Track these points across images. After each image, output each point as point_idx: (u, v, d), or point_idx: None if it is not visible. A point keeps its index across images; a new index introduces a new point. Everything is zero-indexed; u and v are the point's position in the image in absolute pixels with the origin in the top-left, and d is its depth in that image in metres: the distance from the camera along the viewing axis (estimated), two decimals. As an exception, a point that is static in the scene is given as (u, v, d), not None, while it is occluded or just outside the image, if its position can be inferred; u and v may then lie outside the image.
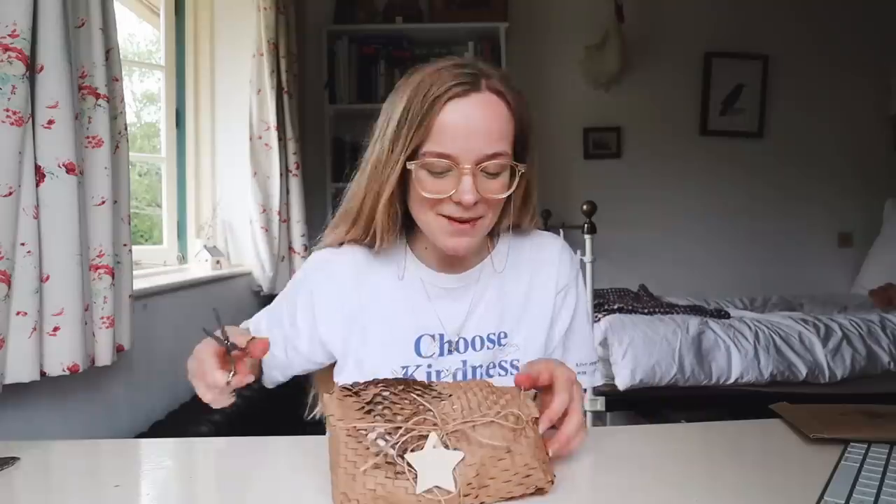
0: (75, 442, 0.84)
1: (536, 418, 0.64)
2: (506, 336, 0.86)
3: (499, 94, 0.76)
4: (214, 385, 0.67)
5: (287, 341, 0.86)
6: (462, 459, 0.59)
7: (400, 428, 0.60)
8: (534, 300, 0.88)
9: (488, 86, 0.75)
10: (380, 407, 0.62)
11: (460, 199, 0.74)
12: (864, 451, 0.69)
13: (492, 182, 0.76)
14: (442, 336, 0.85)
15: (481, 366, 0.85)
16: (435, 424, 0.60)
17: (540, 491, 0.60)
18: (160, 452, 0.78)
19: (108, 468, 0.70)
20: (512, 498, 0.59)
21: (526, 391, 0.66)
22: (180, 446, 0.84)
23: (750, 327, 2.13)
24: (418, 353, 0.84)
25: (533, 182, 0.84)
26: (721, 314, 2.32)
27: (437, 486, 0.58)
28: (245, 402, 1.63)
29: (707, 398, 2.09)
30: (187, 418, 1.49)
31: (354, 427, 0.60)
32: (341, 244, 0.88)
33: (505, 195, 0.77)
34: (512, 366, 0.86)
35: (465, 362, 0.84)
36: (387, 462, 0.58)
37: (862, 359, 2.09)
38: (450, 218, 0.77)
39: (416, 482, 0.57)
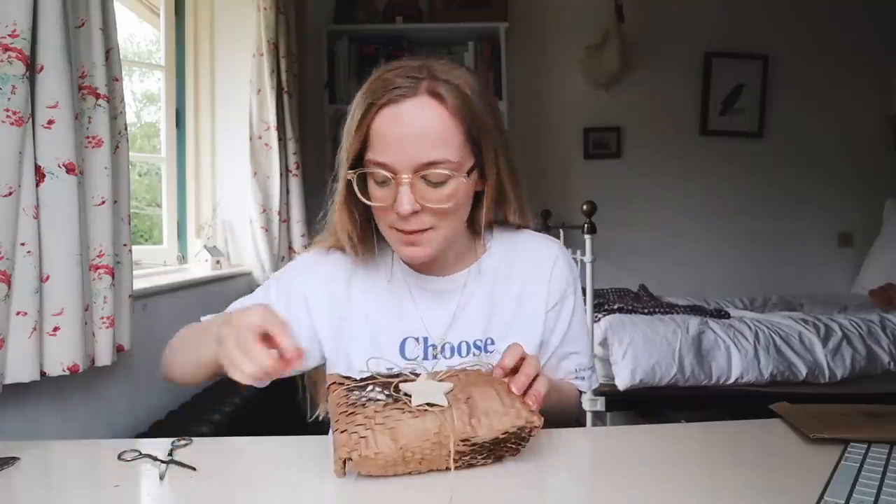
0: (75, 442, 0.84)
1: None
2: (492, 343, 0.84)
3: (437, 97, 0.72)
4: (255, 365, 0.60)
5: None
6: (452, 390, 0.66)
7: (392, 382, 0.69)
8: (525, 308, 0.85)
9: (428, 88, 0.72)
10: (373, 383, 0.71)
11: (398, 210, 0.71)
12: (864, 451, 0.69)
13: (435, 191, 0.72)
14: (426, 339, 0.84)
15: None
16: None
17: (531, 429, 0.64)
18: (160, 452, 0.78)
19: (108, 468, 0.70)
20: (506, 434, 0.63)
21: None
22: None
23: (750, 327, 2.13)
24: (403, 356, 0.83)
25: (504, 174, 0.80)
26: (721, 314, 2.32)
27: (429, 403, 0.64)
28: (245, 401, 1.63)
29: (707, 398, 2.09)
30: (187, 418, 1.49)
31: (353, 380, 0.70)
32: (329, 248, 0.88)
33: (449, 205, 0.73)
34: None
35: (449, 368, 0.84)
36: (383, 404, 0.65)
37: (862, 359, 2.09)
38: (397, 229, 0.75)
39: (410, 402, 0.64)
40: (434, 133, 0.71)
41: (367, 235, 0.82)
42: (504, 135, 0.80)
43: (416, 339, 0.84)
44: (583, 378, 0.91)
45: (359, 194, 0.75)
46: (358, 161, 0.75)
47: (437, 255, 0.79)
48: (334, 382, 0.71)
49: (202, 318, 0.88)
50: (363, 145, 0.74)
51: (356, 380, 0.71)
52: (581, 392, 0.92)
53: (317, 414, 0.92)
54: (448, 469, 0.61)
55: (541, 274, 0.86)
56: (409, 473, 0.63)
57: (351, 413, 0.63)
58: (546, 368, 0.88)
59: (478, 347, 0.84)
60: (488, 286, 0.86)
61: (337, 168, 0.80)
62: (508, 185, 0.81)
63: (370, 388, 0.68)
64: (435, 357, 0.83)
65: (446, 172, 0.72)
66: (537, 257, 0.88)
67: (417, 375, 0.70)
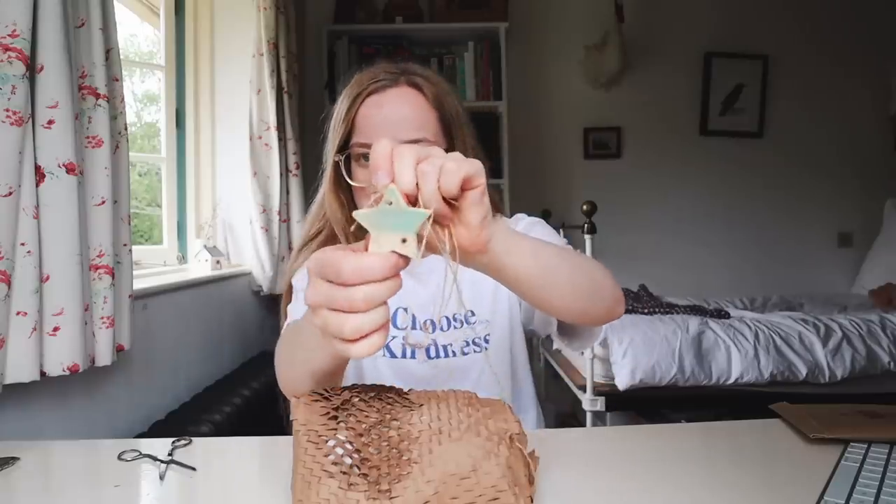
0: (75, 442, 0.84)
1: (515, 435, 0.57)
2: (473, 314, 0.90)
3: (415, 87, 0.82)
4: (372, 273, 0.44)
5: None
6: (429, 217, 0.46)
7: (362, 436, 0.55)
8: None
9: (407, 80, 0.82)
10: (345, 413, 0.58)
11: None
12: (864, 451, 0.69)
13: None
14: (414, 317, 0.89)
15: (451, 344, 0.88)
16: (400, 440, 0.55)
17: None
18: (160, 452, 0.78)
19: (108, 468, 0.70)
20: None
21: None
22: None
23: (750, 327, 2.13)
24: (394, 325, 0.89)
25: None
26: (721, 314, 2.32)
27: (393, 251, 0.46)
28: (245, 401, 1.63)
29: (707, 398, 2.09)
30: (187, 418, 1.49)
31: (315, 432, 0.55)
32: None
33: None
34: (486, 341, 0.89)
35: (435, 341, 0.88)
36: (342, 472, 0.52)
37: (862, 359, 2.09)
38: None
39: (370, 487, 0.50)
40: (414, 116, 0.81)
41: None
42: (472, 132, 0.88)
43: (405, 310, 0.89)
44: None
45: (345, 176, 0.77)
46: (343, 148, 0.84)
47: None
48: (308, 400, 0.59)
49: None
50: (349, 132, 0.83)
51: (336, 392, 0.60)
52: None
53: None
54: None
55: None
56: None
57: (308, 482, 0.52)
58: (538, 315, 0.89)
59: (458, 321, 0.89)
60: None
61: (322, 166, 0.88)
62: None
63: (335, 444, 0.54)
64: (422, 329, 0.88)
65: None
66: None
67: (399, 393, 0.62)
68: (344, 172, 0.81)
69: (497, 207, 0.92)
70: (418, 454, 0.53)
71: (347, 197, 0.87)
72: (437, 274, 0.86)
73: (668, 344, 2.03)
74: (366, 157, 0.80)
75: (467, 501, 0.50)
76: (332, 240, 0.91)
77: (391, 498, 0.50)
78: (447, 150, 0.75)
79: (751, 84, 3.38)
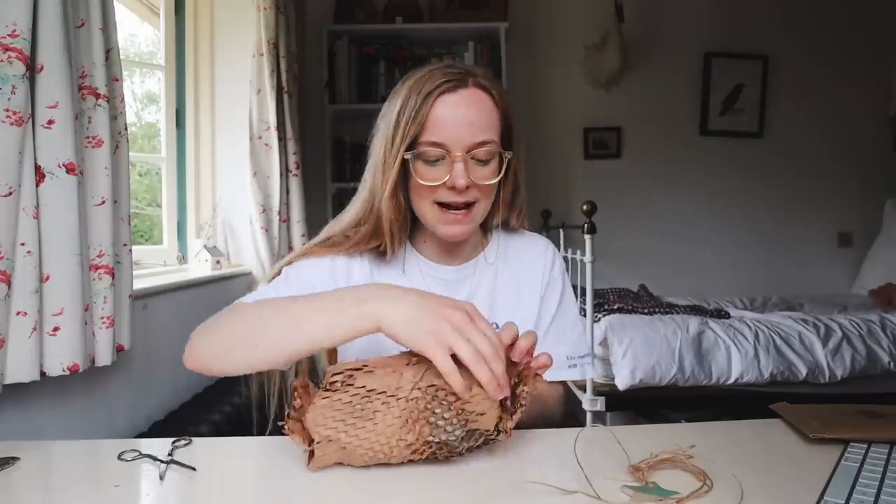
0: (75, 442, 0.84)
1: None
2: (497, 327, 0.88)
3: (484, 90, 0.84)
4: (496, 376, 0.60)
5: None
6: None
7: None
8: (523, 292, 0.95)
9: (475, 82, 0.83)
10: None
11: (454, 184, 0.81)
12: (864, 451, 0.69)
13: (482, 169, 0.83)
14: None
15: None
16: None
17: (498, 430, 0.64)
18: (160, 452, 0.78)
19: (108, 468, 0.70)
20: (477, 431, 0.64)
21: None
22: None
23: (750, 327, 2.13)
24: None
25: (520, 177, 0.92)
26: (721, 314, 2.32)
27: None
28: (245, 401, 1.63)
29: (707, 398, 2.09)
30: (187, 418, 1.49)
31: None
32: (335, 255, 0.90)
33: (495, 180, 0.84)
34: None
35: None
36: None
37: (862, 359, 2.09)
38: (446, 206, 0.84)
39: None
40: (484, 117, 0.83)
41: (401, 229, 0.88)
42: (523, 141, 0.91)
43: None
44: (575, 366, 0.95)
45: (415, 175, 0.82)
46: (411, 147, 0.83)
47: (471, 235, 0.89)
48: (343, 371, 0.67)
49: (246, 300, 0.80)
50: (418, 131, 0.83)
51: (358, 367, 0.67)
52: (569, 383, 0.95)
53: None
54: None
55: (535, 266, 0.97)
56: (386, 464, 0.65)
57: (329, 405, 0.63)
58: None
59: None
60: (491, 276, 0.94)
61: (367, 174, 0.88)
62: (521, 186, 0.93)
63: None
64: None
65: (492, 151, 0.83)
66: (532, 244, 0.99)
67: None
68: (413, 169, 0.82)
69: (522, 223, 0.98)
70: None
71: (401, 198, 0.86)
72: (468, 283, 0.93)
73: (668, 344, 2.03)
74: (435, 153, 0.81)
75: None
76: (373, 237, 0.87)
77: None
78: (503, 152, 0.85)
79: (751, 84, 3.38)
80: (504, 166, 0.86)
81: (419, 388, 0.64)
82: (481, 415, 0.65)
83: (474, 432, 0.66)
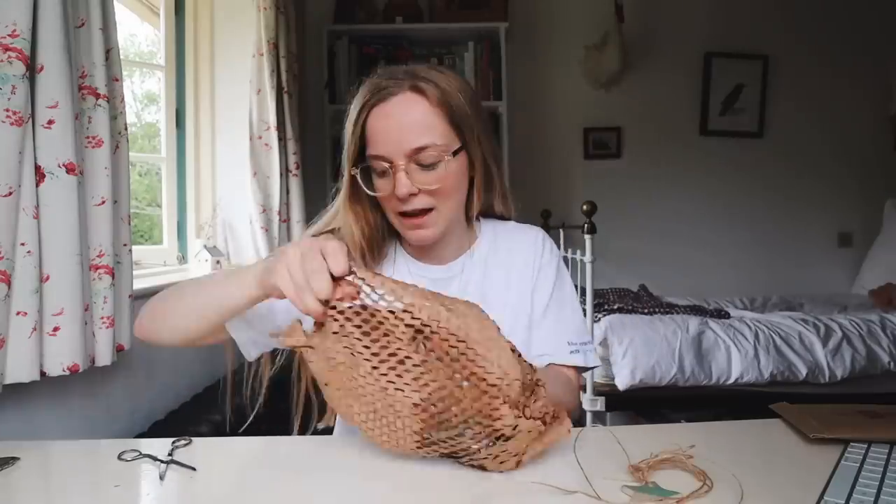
0: (75, 442, 0.84)
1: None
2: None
3: (418, 91, 0.81)
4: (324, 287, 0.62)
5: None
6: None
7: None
8: (513, 282, 0.93)
9: (410, 86, 0.81)
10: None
11: (398, 194, 0.81)
12: (864, 451, 0.69)
13: (428, 174, 0.81)
14: None
15: None
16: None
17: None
18: (160, 452, 0.78)
19: (108, 468, 0.70)
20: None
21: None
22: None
23: (750, 327, 2.13)
24: None
25: (491, 163, 0.89)
26: (721, 314, 2.32)
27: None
28: (245, 401, 1.63)
29: (707, 398, 2.09)
30: (187, 418, 1.49)
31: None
32: None
33: (441, 185, 0.82)
34: None
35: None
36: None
37: (862, 359, 2.09)
38: (403, 214, 0.84)
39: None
40: (418, 122, 0.81)
41: (373, 235, 0.89)
42: (486, 125, 0.88)
43: None
44: (577, 351, 0.91)
45: (364, 187, 0.83)
46: (360, 160, 0.85)
47: (441, 236, 0.87)
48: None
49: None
50: (362, 144, 0.84)
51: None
52: (579, 369, 0.92)
53: (323, 422, 0.91)
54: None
55: (526, 255, 0.95)
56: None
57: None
58: (536, 340, 0.91)
59: None
60: (481, 272, 0.93)
61: (342, 174, 0.89)
62: (493, 170, 0.90)
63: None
64: None
65: (434, 154, 0.81)
66: (523, 234, 0.97)
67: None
68: (362, 184, 0.83)
69: (507, 206, 0.97)
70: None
71: (363, 207, 0.88)
72: (458, 280, 0.91)
73: (668, 344, 2.03)
74: (380, 166, 0.82)
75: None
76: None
77: None
78: (459, 149, 0.83)
79: (751, 84, 3.38)
80: (467, 160, 0.85)
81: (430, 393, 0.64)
82: (497, 419, 0.62)
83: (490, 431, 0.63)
